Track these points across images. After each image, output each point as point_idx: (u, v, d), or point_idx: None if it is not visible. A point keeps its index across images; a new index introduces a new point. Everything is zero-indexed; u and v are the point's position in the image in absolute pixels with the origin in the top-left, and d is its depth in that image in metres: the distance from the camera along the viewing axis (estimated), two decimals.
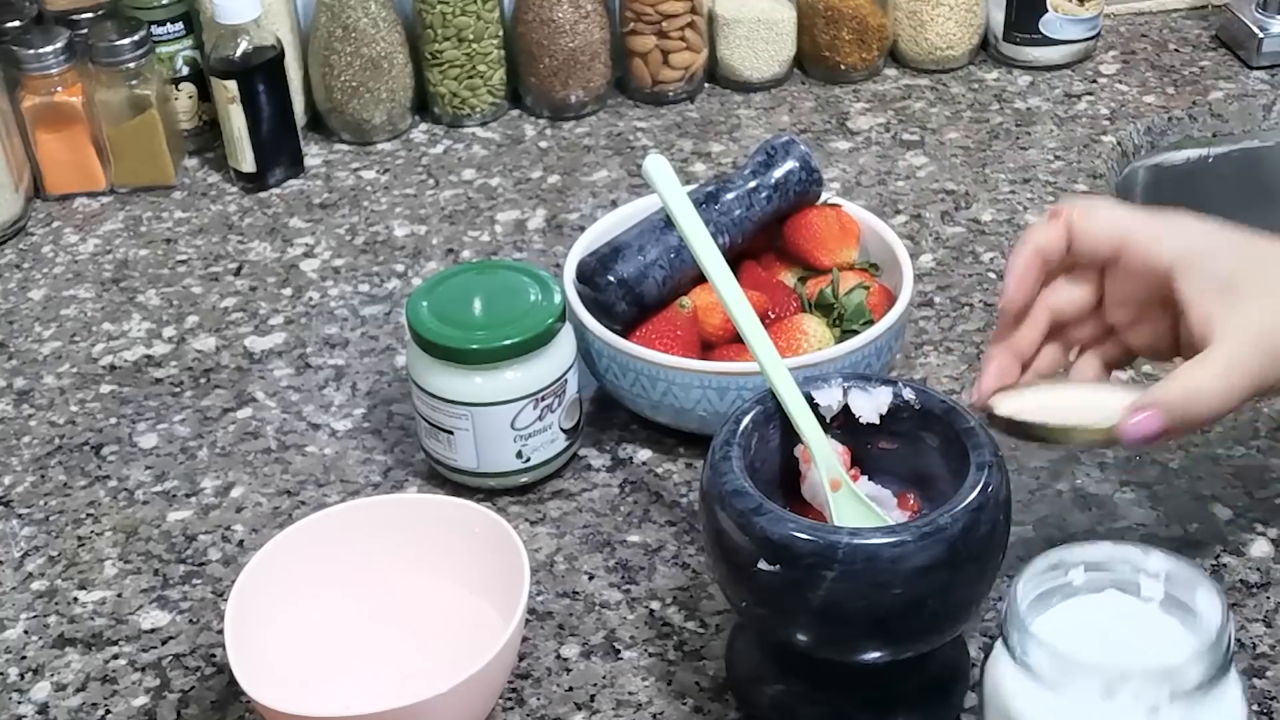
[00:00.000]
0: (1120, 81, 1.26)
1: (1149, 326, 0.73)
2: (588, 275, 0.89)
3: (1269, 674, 0.73)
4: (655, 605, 0.79)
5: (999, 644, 0.61)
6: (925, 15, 1.25)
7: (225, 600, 0.74)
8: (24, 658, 0.78)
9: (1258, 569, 0.79)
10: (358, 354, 0.99)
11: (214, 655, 0.78)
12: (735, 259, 0.89)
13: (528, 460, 0.85)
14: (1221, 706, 0.58)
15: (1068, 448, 0.83)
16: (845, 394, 0.72)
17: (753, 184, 0.92)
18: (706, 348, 0.88)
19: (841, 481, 0.70)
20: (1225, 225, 0.70)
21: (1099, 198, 0.72)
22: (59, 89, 1.12)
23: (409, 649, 0.75)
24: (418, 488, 0.88)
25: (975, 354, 0.95)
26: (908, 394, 0.72)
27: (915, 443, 0.72)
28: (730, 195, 0.91)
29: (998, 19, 1.28)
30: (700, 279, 0.86)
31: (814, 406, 0.72)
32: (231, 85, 1.12)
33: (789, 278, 0.93)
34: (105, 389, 0.97)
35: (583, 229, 0.99)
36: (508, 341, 0.81)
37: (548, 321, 0.82)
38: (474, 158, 1.20)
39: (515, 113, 1.26)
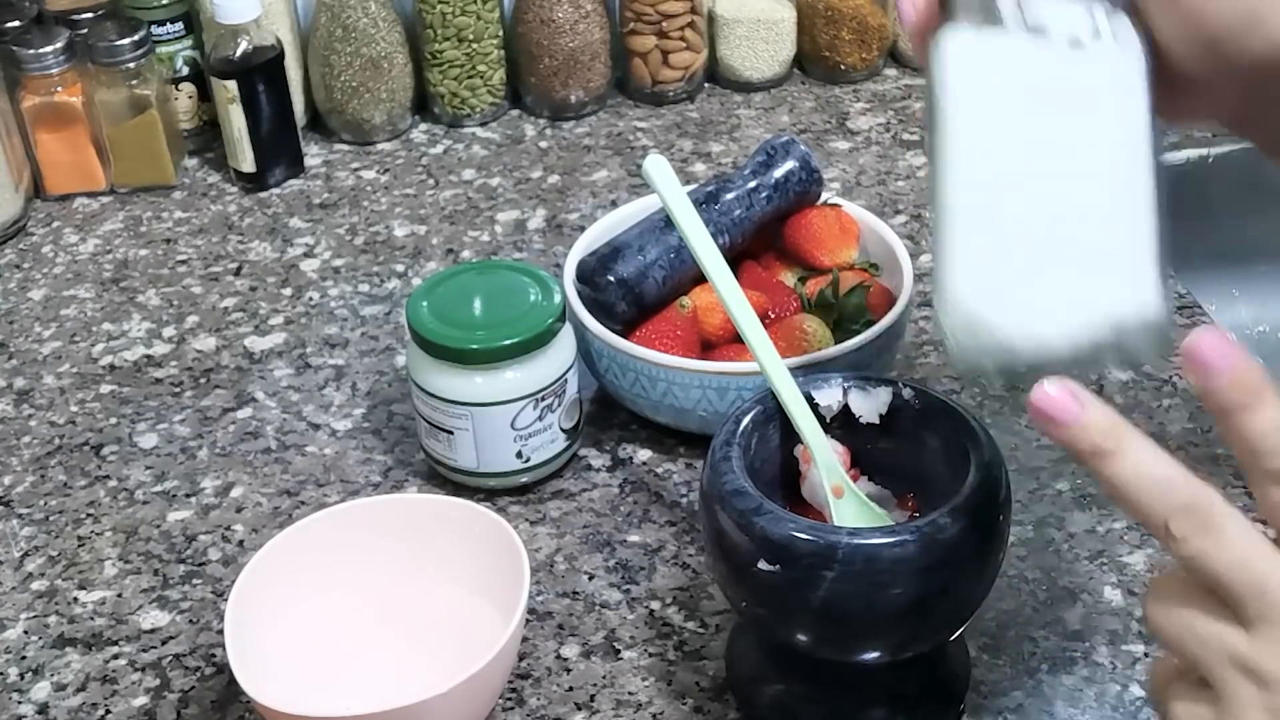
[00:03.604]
0: None
1: None
2: (588, 275, 0.89)
3: None
4: (655, 605, 0.79)
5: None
6: None
7: (225, 600, 0.74)
8: (24, 658, 0.78)
9: None
10: (358, 354, 0.99)
11: (214, 655, 0.78)
12: (735, 259, 0.89)
13: (528, 460, 0.85)
14: None
15: None
16: (845, 394, 0.72)
17: (753, 184, 0.92)
18: (706, 348, 0.88)
19: (843, 486, 0.70)
20: None
21: None
22: (59, 89, 1.12)
23: (409, 649, 0.75)
24: (418, 488, 0.88)
25: None
26: (908, 394, 0.72)
27: (915, 443, 0.72)
28: (730, 195, 0.91)
29: None
30: (700, 279, 0.86)
31: (814, 406, 0.72)
32: (231, 85, 1.12)
33: (789, 278, 0.93)
34: (105, 389, 0.97)
35: (583, 229, 0.99)
36: (508, 341, 0.81)
37: (548, 321, 0.82)
38: (474, 158, 1.20)
39: (515, 113, 1.26)
